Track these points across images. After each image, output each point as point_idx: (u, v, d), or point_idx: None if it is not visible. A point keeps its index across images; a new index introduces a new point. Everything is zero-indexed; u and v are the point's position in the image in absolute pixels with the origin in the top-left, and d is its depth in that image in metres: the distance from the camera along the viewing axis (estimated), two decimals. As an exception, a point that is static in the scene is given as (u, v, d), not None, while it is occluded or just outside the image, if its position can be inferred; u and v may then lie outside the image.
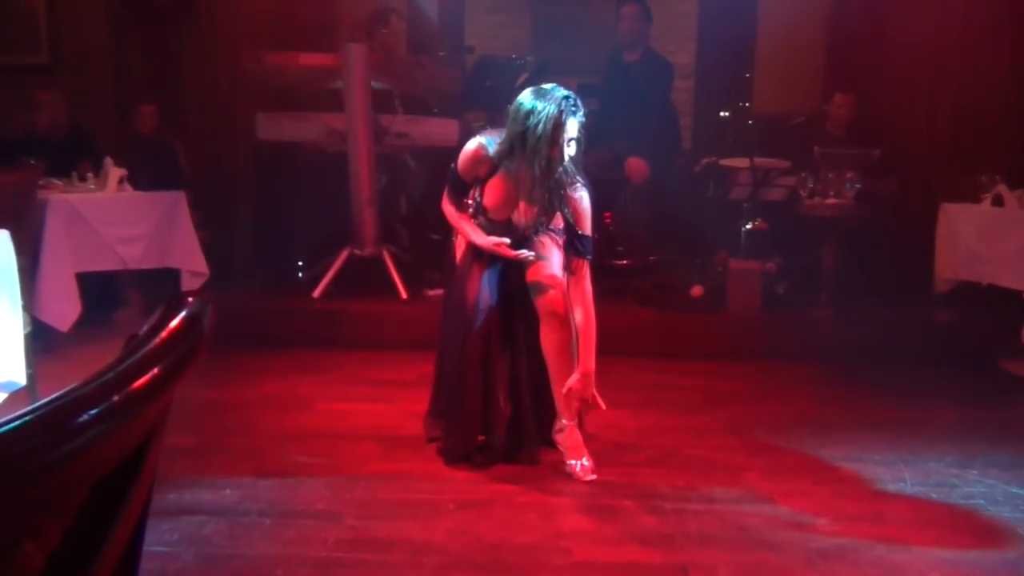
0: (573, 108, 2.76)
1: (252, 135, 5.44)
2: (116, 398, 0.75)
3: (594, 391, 2.93)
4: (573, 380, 2.90)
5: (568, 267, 2.93)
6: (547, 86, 2.82)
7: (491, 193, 2.96)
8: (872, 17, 6.16)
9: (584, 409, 2.99)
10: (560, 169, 2.79)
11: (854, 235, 5.18)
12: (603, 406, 2.96)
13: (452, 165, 3.02)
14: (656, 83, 5.45)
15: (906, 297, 5.26)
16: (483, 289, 2.97)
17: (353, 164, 4.95)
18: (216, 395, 3.76)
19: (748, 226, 5.04)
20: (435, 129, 5.06)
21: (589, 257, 2.92)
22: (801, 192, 4.96)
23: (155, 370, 0.79)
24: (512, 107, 2.83)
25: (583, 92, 5.78)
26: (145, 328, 0.85)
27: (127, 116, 5.72)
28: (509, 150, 2.84)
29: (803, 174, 4.96)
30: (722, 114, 6.45)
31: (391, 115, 5.07)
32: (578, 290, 2.92)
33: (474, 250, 3.03)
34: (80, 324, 4.35)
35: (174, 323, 0.84)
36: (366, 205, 4.97)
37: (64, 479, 0.69)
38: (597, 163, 5.40)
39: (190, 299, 0.88)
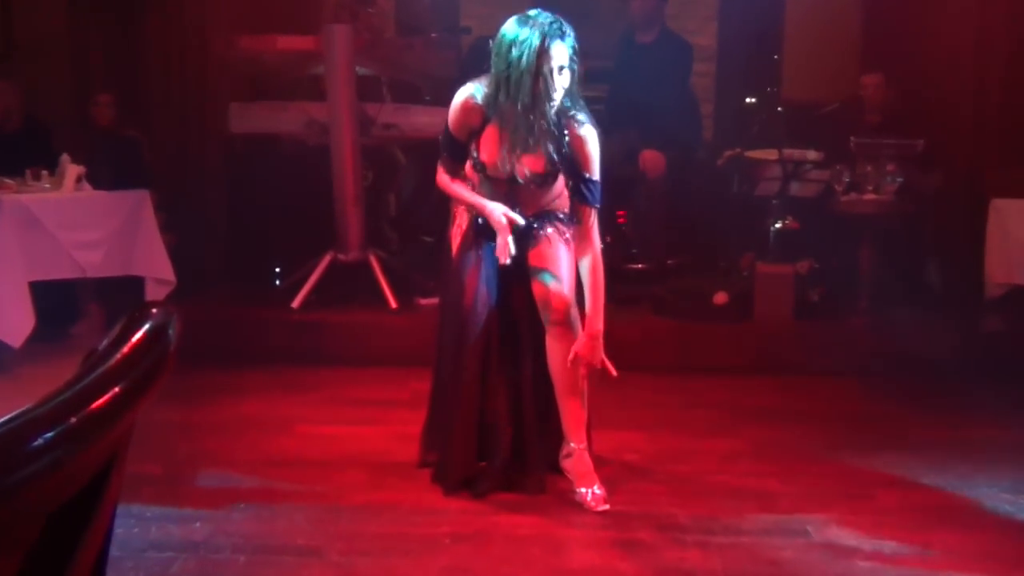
0: (559, 32, 2.72)
1: (224, 127, 5.46)
2: (74, 420, 0.76)
3: (603, 356, 2.89)
4: (579, 344, 2.86)
5: (574, 216, 2.92)
6: (532, 11, 2.78)
7: (487, 146, 2.90)
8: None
9: (592, 378, 2.93)
10: (549, 104, 2.74)
11: (895, 234, 5.19)
12: (614, 373, 2.91)
13: (445, 125, 3.00)
14: (673, 67, 5.46)
15: (953, 303, 5.26)
16: (481, 288, 2.96)
17: (336, 159, 4.97)
18: (185, 417, 3.76)
19: (777, 225, 5.05)
20: (427, 119, 5.08)
21: (597, 206, 2.90)
22: (836, 187, 4.98)
23: (116, 389, 0.79)
24: (495, 40, 2.80)
25: (592, 77, 5.81)
26: (105, 342, 0.86)
27: (85, 108, 5.74)
28: (496, 91, 2.79)
29: (838, 167, 4.98)
30: (747, 100, 6.47)
31: (378, 104, 5.09)
32: (584, 242, 2.90)
33: (471, 242, 3.01)
34: (33, 339, 4.35)
35: (137, 336, 0.84)
36: (350, 204, 4.99)
37: (18, 509, 0.69)
38: (608, 156, 5.44)
39: (154, 310, 0.88)
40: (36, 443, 0.72)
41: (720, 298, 5.04)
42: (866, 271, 5.07)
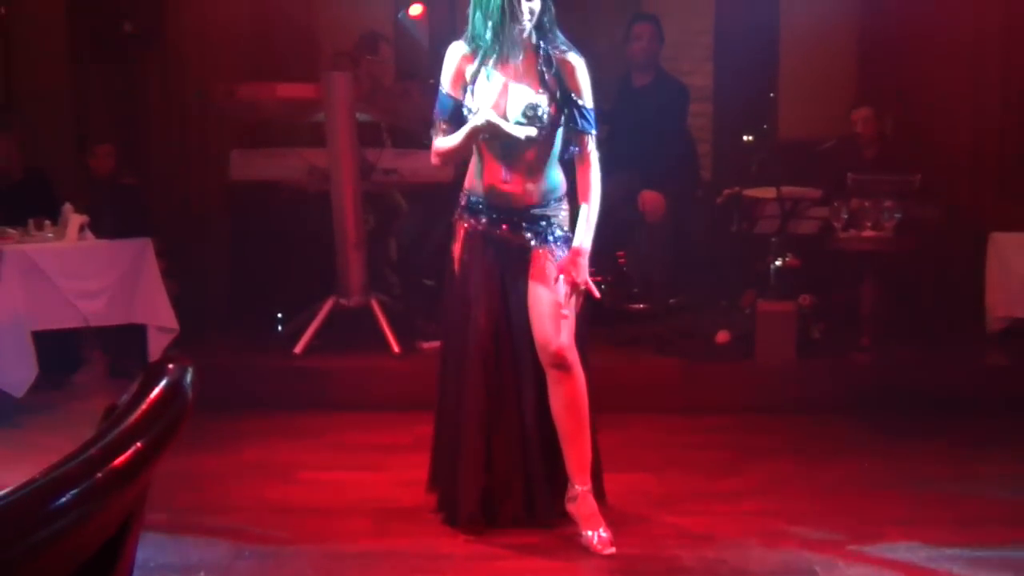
0: None
1: (225, 175, 5.53)
2: (99, 476, 0.78)
3: (587, 279, 2.90)
4: (564, 260, 2.89)
5: (573, 144, 2.95)
6: None
7: (479, 95, 2.92)
8: (905, 31, 6.27)
9: (577, 299, 2.92)
10: (519, 22, 2.79)
11: (895, 270, 5.23)
12: (596, 295, 2.94)
13: (438, 91, 3.01)
14: (670, 108, 5.54)
15: (956, 338, 5.28)
16: (479, 319, 2.95)
17: (337, 204, 5.02)
18: (187, 464, 3.75)
19: (777, 263, 5.07)
20: (427, 164, 5.11)
21: (593, 132, 2.93)
22: (835, 224, 5.02)
23: (138, 445, 0.82)
24: None
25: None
26: (125, 398, 0.89)
27: (86, 157, 5.81)
28: (473, 32, 2.88)
29: (836, 204, 5.02)
30: (745, 138, 6.54)
31: (378, 149, 5.14)
32: (584, 165, 2.95)
33: (468, 274, 3.00)
34: (35, 387, 4.38)
35: (155, 393, 0.87)
36: (352, 249, 5.03)
37: (43, 566, 0.71)
38: (608, 197, 5.49)
39: (170, 365, 0.91)
40: (62, 501, 0.75)
41: (722, 337, 5.07)
42: (867, 307, 5.10)
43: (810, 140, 6.10)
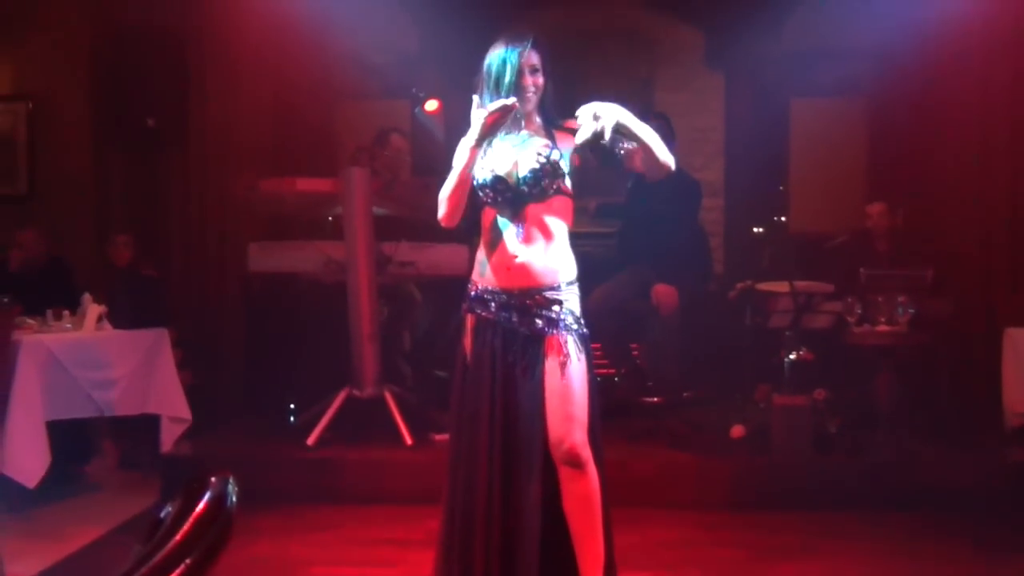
0: (531, 42, 2.91)
1: (242, 266, 5.61)
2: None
3: (607, 113, 2.90)
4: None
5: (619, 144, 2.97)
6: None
7: (489, 160, 2.95)
8: (914, 126, 6.41)
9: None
10: (524, 95, 2.88)
11: (910, 365, 5.23)
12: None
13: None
14: (681, 203, 5.61)
15: (974, 434, 5.25)
16: (489, 412, 2.89)
17: (352, 296, 5.08)
18: (199, 560, 3.74)
19: (791, 357, 5.08)
20: (443, 256, 5.22)
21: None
22: (848, 319, 5.04)
23: (187, 562, 0.84)
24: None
25: (604, 212, 5.96)
26: (168, 511, 0.91)
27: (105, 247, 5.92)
28: (484, 94, 2.92)
29: (849, 299, 5.05)
30: (756, 230, 6.61)
31: (394, 242, 5.22)
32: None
33: (478, 366, 2.96)
34: (47, 478, 4.37)
35: (200, 508, 0.89)
36: (366, 341, 5.07)
37: None
38: (622, 291, 5.56)
39: (212, 478, 0.93)
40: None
41: (737, 431, 5.05)
42: (883, 403, 5.08)
43: (820, 234, 6.18)
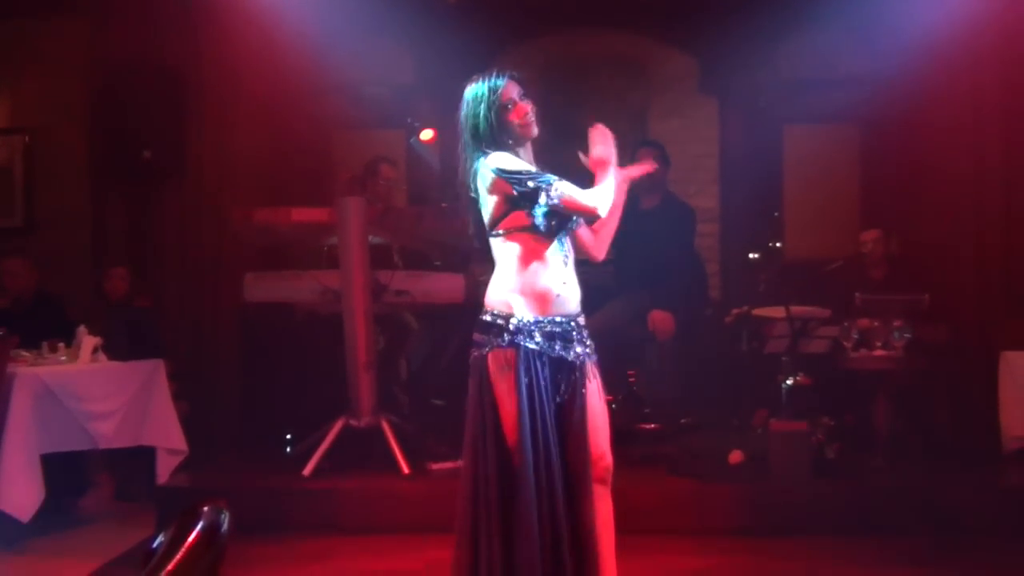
0: (505, 74, 2.91)
1: (237, 296, 5.61)
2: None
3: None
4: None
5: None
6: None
7: None
8: (907, 153, 6.46)
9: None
10: (511, 136, 2.89)
11: (907, 389, 5.23)
12: None
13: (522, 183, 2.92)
14: (677, 230, 5.65)
15: (972, 457, 5.24)
16: (540, 438, 2.82)
17: (348, 325, 5.07)
18: (194, 592, 3.71)
19: (789, 382, 5.08)
20: (438, 285, 5.23)
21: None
22: (845, 343, 5.05)
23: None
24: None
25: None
26: (161, 540, 0.91)
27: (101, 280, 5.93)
28: (487, 138, 2.90)
29: (845, 324, 5.06)
30: (751, 256, 6.64)
31: (390, 271, 5.23)
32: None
33: (532, 398, 2.85)
34: (41, 511, 4.35)
35: (192, 538, 0.89)
36: (363, 370, 5.06)
37: None
38: (618, 317, 5.57)
39: (205, 508, 0.94)
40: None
41: (735, 457, 5.03)
42: (881, 427, 5.08)
43: (815, 259, 6.20)
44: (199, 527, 0.92)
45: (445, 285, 5.21)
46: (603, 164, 2.97)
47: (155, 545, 0.94)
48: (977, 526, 4.49)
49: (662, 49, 7.33)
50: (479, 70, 2.97)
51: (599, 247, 3.10)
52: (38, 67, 6.48)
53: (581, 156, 3.01)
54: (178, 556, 0.88)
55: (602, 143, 3.00)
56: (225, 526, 0.95)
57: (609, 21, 7.24)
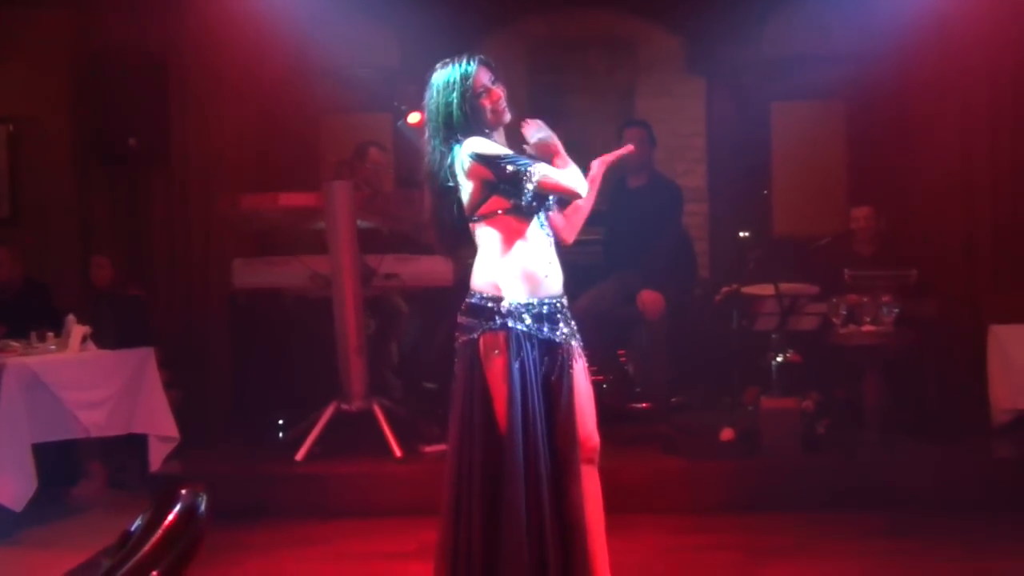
0: (475, 58, 2.88)
1: (226, 283, 5.58)
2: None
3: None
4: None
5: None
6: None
7: None
8: (895, 129, 6.45)
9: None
10: (487, 125, 2.86)
11: (897, 364, 5.24)
12: None
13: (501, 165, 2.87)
14: (664, 209, 5.63)
15: (961, 431, 5.26)
16: (531, 420, 2.80)
17: (338, 310, 5.06)
18: (188, 578, 3.71)
19: (779, 359, 5.09)
20: (427, 268, 5.21)
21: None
22: (834, 320, 5.05)
23: (154, 573, 0.82)
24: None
25: (587, 221, 5.98)
26: (139, 523, 0.90)
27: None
28: (458, 126, 2.87)
29: (834, 300, 5.06)
30: (741, 234, 6.63)
31: (379, 255, 5.21)
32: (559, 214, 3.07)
33: (524, 379, 2.83)
34: (34, 501, 4.33)
35: (169, 519, 0.88)
36: (353, 354, 5.04)
37: None
38: (607, 298, 5.56)
39: (183, 490, 0.92)
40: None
41: (726, 434, 5.04)
42: (871, 402, 5.09)
43: (804, 236, 6.20)
44: (176, 509, 0.91)
45: (434, 268, 5.18)
46: (551, 147, 2.93)
47: (133, 528, 0.92)
48: (967, 499, 4.52)
49: (648, 29, 7.29)
50: (466, 52, 2.92)
51: (569, 230, 3.08)
52: (22, 56, 6.41)
53: (526, 148, 2.97)
54: (154, 539, 0.86)
55: (537, 131, 2.96)
56: (203, 508, 0.94)
57: (595, 1, 7.20)
